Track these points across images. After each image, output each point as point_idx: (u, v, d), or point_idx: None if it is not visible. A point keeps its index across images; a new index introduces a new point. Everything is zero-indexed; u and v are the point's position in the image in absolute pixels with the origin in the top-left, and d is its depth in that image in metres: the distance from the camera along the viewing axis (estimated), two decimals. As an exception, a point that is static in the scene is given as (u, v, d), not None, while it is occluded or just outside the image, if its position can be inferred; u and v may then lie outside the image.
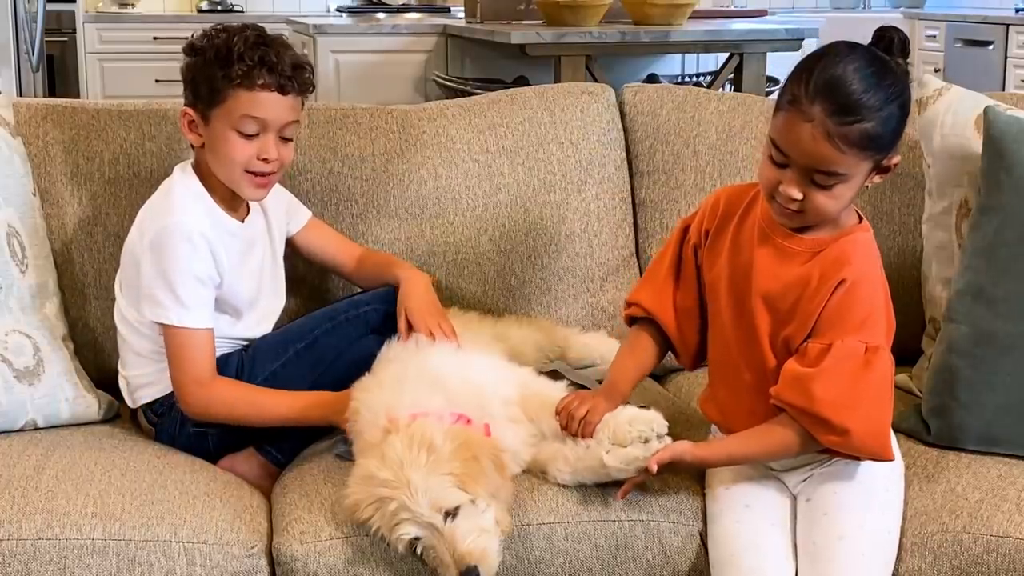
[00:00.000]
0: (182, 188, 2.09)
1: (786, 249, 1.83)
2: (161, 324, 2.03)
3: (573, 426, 1.88)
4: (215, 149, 2.06)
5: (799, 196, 1.74)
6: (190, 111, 2.07)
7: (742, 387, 1.88)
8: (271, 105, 2.03)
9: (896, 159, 1.78)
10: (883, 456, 1.80)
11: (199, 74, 2.05)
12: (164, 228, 2.02)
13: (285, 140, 2.08)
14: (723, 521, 1.85)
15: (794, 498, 1.88)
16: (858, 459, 1.81)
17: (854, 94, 1.70)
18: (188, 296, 2.02)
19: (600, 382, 2.03)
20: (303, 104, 2.12)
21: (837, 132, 1.69)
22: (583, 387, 2.06)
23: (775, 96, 1.83)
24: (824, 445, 1.78)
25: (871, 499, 1.83)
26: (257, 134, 2.04)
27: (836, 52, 1.74)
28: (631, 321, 2.03)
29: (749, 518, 1.84)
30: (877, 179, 1.79)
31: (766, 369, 1.84)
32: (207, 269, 2.04)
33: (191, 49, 2.07)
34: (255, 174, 2.06)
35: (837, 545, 1.77)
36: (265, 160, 2.05)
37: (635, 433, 1.82)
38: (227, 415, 2.04)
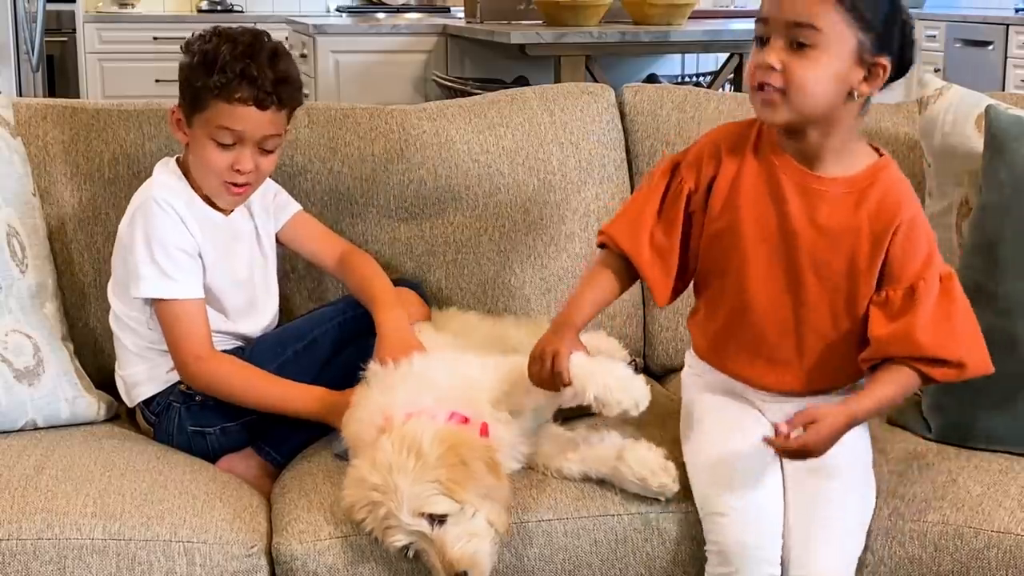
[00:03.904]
0: (162, 176, 2.12)
1: (814, 190, 1.81)
2: (151, 300, 2.04)
3: (548, 384, 1.84)
4: (195, 152, 2.08)
5: (778, 65, 1.72)
6: (178, 110, 2.09)
7: (765, 345, 1.87)
8: (247, 119, 2.03)
9: (884, 61, 1.75)
10: (989, 370, 1.83)
11: (186, 77, 2.06)
12: (143, 203, 2.05)
13: (265, 151, 2.08)
14: (720, 509, 1.81)
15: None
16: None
17: None
18: (173, 267, 2.03)
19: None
20: (289, 118, 2.11)
21: None
22: None
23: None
24: (940, 380, 1.81)
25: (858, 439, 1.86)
26: (233, 144, 2.04)
27: None
28: (601, 247, 1.97)
29: (746, 502, 1.80)
30: (864, 88, 1.75)
31: (824, 332, 1.84)
32: (189, 240, 2.05)
33: (186, 47, 2.09)
34: (230, 184, 2.07)
35: (831, 468, 1.79)
36: (239, 171, 2.05)
37: (667, 486, 1.86)
38: (228, 392, 2.05)
